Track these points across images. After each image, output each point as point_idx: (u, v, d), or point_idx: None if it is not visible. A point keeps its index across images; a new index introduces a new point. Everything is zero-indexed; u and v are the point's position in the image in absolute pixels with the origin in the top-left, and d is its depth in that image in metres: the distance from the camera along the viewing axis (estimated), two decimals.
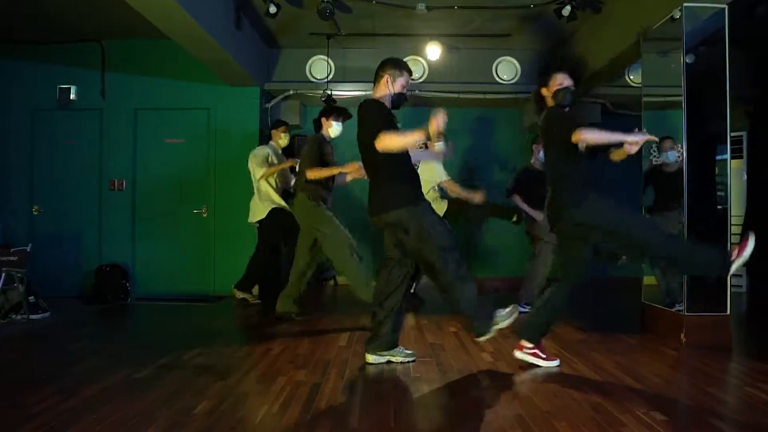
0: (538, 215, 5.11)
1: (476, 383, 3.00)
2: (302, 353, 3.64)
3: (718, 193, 4.52)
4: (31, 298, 5.08)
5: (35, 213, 6.49)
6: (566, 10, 5.10)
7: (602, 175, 3.37)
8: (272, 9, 5.15)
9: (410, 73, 3.48)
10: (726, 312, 3.92)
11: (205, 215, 6.55)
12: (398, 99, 3.42)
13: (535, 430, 2.29)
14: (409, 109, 7.35)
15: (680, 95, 4.13)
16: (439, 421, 2.42)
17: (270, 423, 2.37)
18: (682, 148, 4.13)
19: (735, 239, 6.70)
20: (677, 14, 4.14)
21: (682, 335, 3.89)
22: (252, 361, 3.42)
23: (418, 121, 7.48)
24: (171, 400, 2.68)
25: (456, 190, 5.32)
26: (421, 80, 6.77)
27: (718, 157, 4.47)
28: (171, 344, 3.89)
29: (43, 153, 6.53)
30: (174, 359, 3.47)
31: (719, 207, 4.44)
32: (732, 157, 7.02)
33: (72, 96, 6.47)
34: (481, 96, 6.78)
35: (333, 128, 4.88)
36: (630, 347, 3.84)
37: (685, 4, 4.02)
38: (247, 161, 5.85)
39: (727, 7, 3.99)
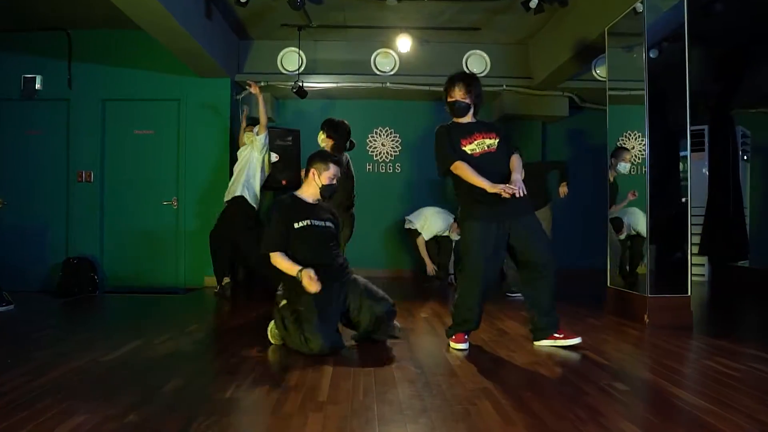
0: None
1: (444, 361, 3.05)
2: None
3: (682, 183, 4.66)
4: None
5: None
6: (534, 3, 5.18)
7: None
8: None
9: (337, 164, 3.64)
10: (687, 294, 4.05)
11: (175, 207, 6.50)
12: (326, 190, 3.59)
13: (501, 401, 2.35)
14: (381, 101, 7.43)
15: (642, 89, 4.26)
16: (407, 394, 2.45)
17: (239, 398, 2.38)
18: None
19: (696, 230, 6.95)
20: (640, 7, 4.26)
21: (646, 316, 4.00)
22: (223, 344, 3.43)
23: (391, 115, 7.52)
24: (139, 379, 2.67)
25: None
26: (392, 73, 6.82)
27: (680, 153, 4.60)
28: (140, 331, 3.86)
29: (7, 144, 6.42)
30: (143, 344, 3.44)
31: (682, 200, 4.58)
32: (693, 151, 7.25)
33: (37, 86, 6.35)
34: None
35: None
36: (595, 328, 3.94)
37: None
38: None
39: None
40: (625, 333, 3.80)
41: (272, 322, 3.43)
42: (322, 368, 2.88)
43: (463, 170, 3.27)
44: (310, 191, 3.61)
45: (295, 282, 3.30)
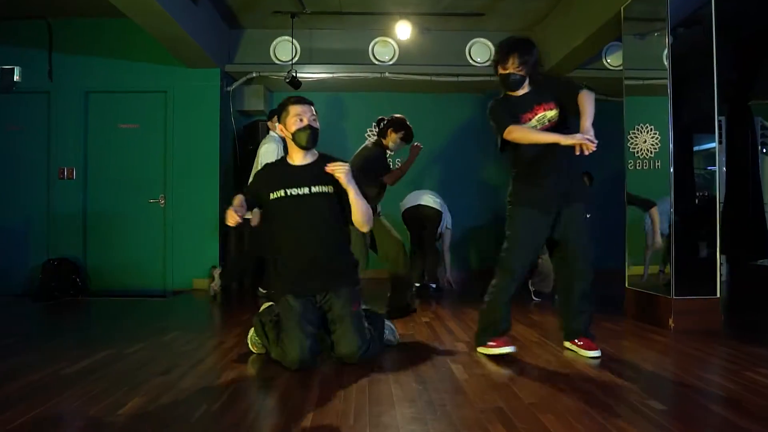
0: None
1: (450, 375, 2.68)
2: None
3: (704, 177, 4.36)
4: None
5: None
6: None
7: None
8: None
9: (300, 101, 2.94)
10: (716, 295, 3.69)
11: (162, 205, 6.14)
12: (300, 136, 2.88)
13: (518, 425, 1.98)
14: (380, 94, 7.07)
15: (660, 78, 3.91)
16: (407, 417, 2.09)
17: (206, 423, 2.02)
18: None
19: None
20: None
21: (670, 320, 3.63)
22: (201, 355, 3.06)
23: (390, 108, 7.17)
24: (99, 397, 2.30)
25: None
26: (391, 63, 6.46)
27: (706, 146, 4.28)
28: (114, 339, 3.50)
29: None
30: (114, 354, 3.08)
31: (705, 195, 4.28)
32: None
33: (16, 77, 5.93)
34: (454, 79, 6.48)
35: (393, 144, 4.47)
36: (615, 334, 3.56)
37: None
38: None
39: None
40: (650, 339, 3.43)
41: (252, 329, 3.07)
42: (309, 384, 2.51)
43: (520, 132, 2.82)
44: (293, 152, 2.95)
45: (276, 280, 2.94)
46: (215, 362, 2.91)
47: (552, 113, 2.94)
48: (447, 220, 5.62)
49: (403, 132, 4.46)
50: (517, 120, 2.90)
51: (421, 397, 2.32)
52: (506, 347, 2.97)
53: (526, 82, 2.99)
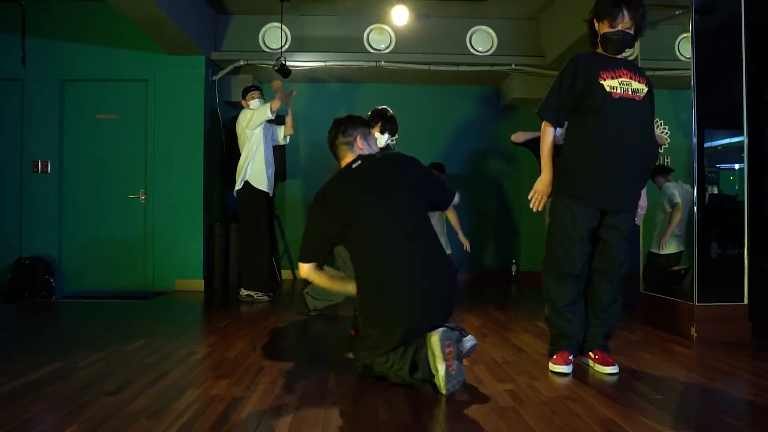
0: None
1: (447, 396, 2.31)
2: (231, 358, 2.90)
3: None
4: None
5: None
6: None
7: None
8: None
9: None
10: (743, 301, 3.34)
11: (143, 201, 5.77)
12: None
13: None
14: (375, 85, 6.71)
15: (678, 69, 3.65)
16: None
17: None
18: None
19: None
20: None
21: (693, 329, 3.26)
22: (163, 369, 2.68)
23: (386, 100, 6.81)
24: (27, 424, 1.93)
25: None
26: (387, 51, 6.08)
27: (732, 140, 3.96)
28: (71, 348, 3.12)
29: None
30: (63, 367, 2.70)
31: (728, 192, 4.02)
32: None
33: None
34: (454, 68, 6.10)
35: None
36: (632, 344, 3.19)
37: None
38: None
39: None
40: (671, 351, 3.06)
41: None
42: (284, 407, 2.13)
43: (544, 136, 2.61)
44: None
45: None
46: (179, 378, 2.54)
47: (639, 86, 2.54)
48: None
49: (379, 123, 4.09)
50: (594, 77, 2.50)
51: (414, 422, 1.95)
52: (560, 366, 2.61)
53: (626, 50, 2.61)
